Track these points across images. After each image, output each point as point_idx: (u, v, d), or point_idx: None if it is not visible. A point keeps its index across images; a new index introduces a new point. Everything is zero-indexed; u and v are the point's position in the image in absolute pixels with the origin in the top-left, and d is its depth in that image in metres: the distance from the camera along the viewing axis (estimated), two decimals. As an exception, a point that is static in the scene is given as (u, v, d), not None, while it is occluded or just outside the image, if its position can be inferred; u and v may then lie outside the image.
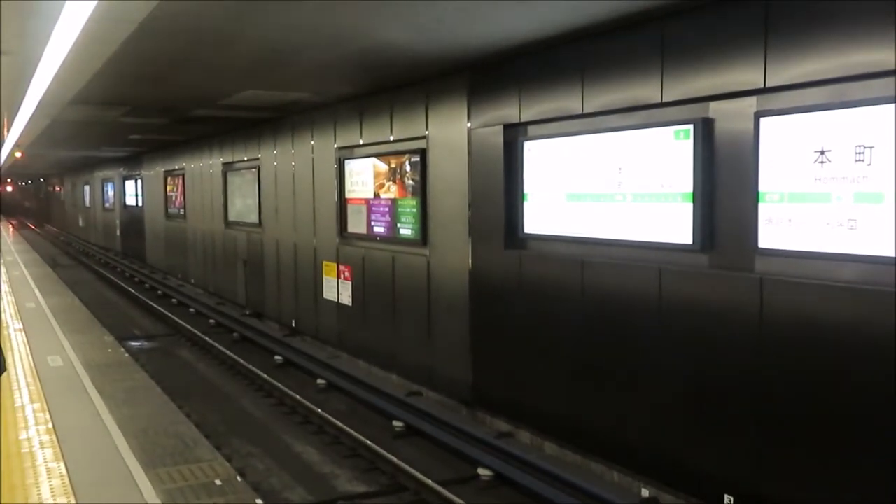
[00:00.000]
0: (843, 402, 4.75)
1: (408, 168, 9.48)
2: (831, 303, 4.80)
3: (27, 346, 8.52)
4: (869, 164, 4.58)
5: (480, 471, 6.88)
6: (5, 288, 13.56)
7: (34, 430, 5.60)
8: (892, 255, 4.48)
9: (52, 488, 4.50)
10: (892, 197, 4.46)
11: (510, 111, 7.56)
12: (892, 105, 4.44)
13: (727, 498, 5.48)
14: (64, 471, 4.77)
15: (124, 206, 26.79)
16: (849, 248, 4.72)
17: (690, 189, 5.72)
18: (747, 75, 5.26)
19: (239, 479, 4.82)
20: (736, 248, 5.47)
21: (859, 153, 4.63)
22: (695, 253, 5.77)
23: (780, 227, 5.10)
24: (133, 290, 19.27)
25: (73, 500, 4.32)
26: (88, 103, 10.65)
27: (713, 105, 5.62)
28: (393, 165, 9.83)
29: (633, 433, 6.29)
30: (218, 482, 4.65)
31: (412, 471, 6.78)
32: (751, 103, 5.30)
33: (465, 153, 8.28)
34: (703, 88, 5.62)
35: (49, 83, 8.71)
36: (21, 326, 9.78)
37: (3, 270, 16.30)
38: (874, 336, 4.53)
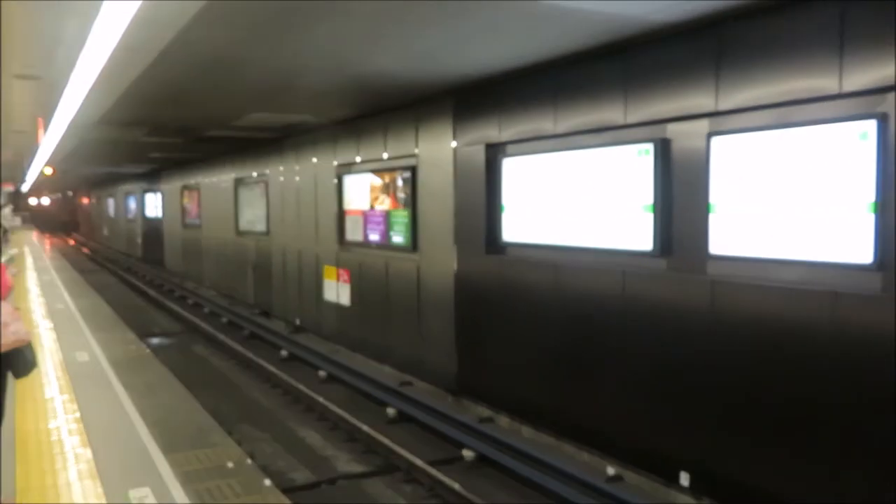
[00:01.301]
0: (785, 387, 4.77)
1: (400, 183, 9.46)
2: (773, 301, 4.83)
3: (57, 344, 8.43)
4: (806, 179, 4.61)
5: (465, 452, 6.85)
6: (37, 291, 13.41)
7: (63, 419, 5.53)
8: (826, 259, 4.52)
9: (79, 471, 4.44)
10: (826, 208, 4.50)
11: (491, 132, 7.56)
12: (830, 125, 4.48)
13: (683, 475, 5.49)
14: (90, 456, 4.71)
15: (145, 217, 26.58)
16: (788, 255, 4.75)
17: (651, 201, 5.74)
18: (701, 100, 5.29)
19: (249, 461, 4.77)
20: (690, 254, 5.49)
21: (799, 168, 4.67)
22: (654, 258, 5.78)
23: (728, 235, 5.12)
24: (153, 293, 19.10)
25: (98, 482, 4.26)
26: (113, 124, 10.57)
27: (670, 126, 5.65)
28: (386, 180, 9.81)
29: (601, 418, 6.29)
30: (230, 464, 4.60)
31: (404, 452, 6.74)
32: (704, 125, 5.33)
33: (451, 169, 8.27)
34: (661, 112, 5.64)
35: (78, 106, 8.64)
36: (51, 325, 9.67)
37: (34, 275, 16.12)
38: (812, 329, 4.56)
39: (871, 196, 4.26)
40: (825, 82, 4.46)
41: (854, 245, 4.35)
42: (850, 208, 4.38)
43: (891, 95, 4.19)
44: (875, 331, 4.23)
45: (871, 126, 4.26)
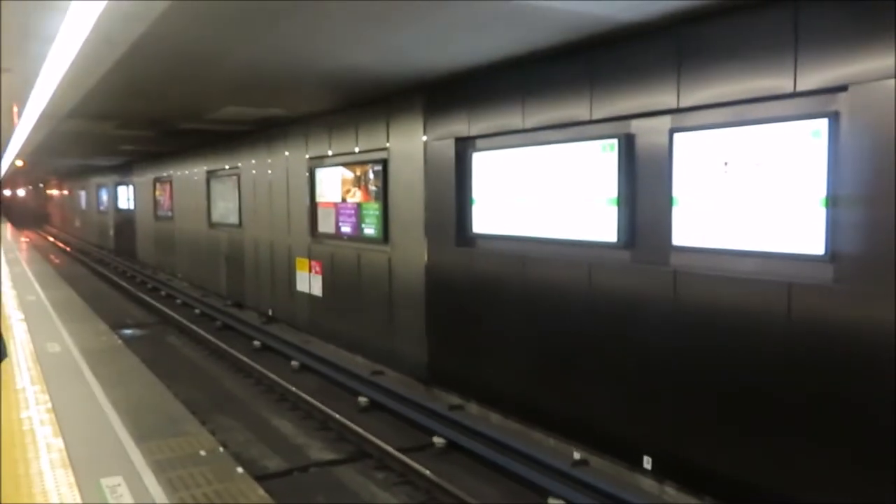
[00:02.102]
0: (743, 373, 4.88)
1: (371, 176, 9.44)
2: (732, 291, 4.93)
3: (28, 335, 8.26)
4: (762, 175, 4.71)
5: (435, 439, 6.88)
6: (8, 283, 13.12)
7: (35, 410, 5.43)
8: (781, 251, 4.62)
9: (51, 461, 4.37)
10: (781, 202, 4.60)
11: (461, 126, 7.57)
12: (785, 123, 4.57)
13: (646, 458, 5.58)
14: (62, 445, 4.64)
15: (117, 209, 26.12)
16: (746, 246, 4.85)
17: (615, 195, 5.81)
18: (663, 97, 5.36)
19: (222, 449, 4.74)
20: (654, 246, 5.57)
21: (755, 164, 4.76)
22: (619, 249, 5.86)
23: (690, 228, 5.21)
24: (125, 284, 18.81)
25: (70, 471, 4.21)
26: (83, 117, 10.37)
27: (634, 122, 5.71)
28: (358, 174, 9.77)
29: (568, 404, 6.36)
30: (203, 453, 4.57)
31: (376, 440, 6.76)
32: (666, 121, 5.40)
33: (421, 163, 8.27)
34: (626, 108, 5.70)
35: (48, 99, 8.46)
36: (23, 317, 9.48)
37: (5, 267, 15.78)
38: (770, 316, 4.67)
39: (822, 191, 4.37)
40: (781, 82, 4.55)
41: (807, 237, 4.46)
42: (804, 202, 4.48)
43: (842, 95, 4.29)
44: (827, 320, 4.35)
45: (823, 125, 4.36)
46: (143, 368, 6.96)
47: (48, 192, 48.85)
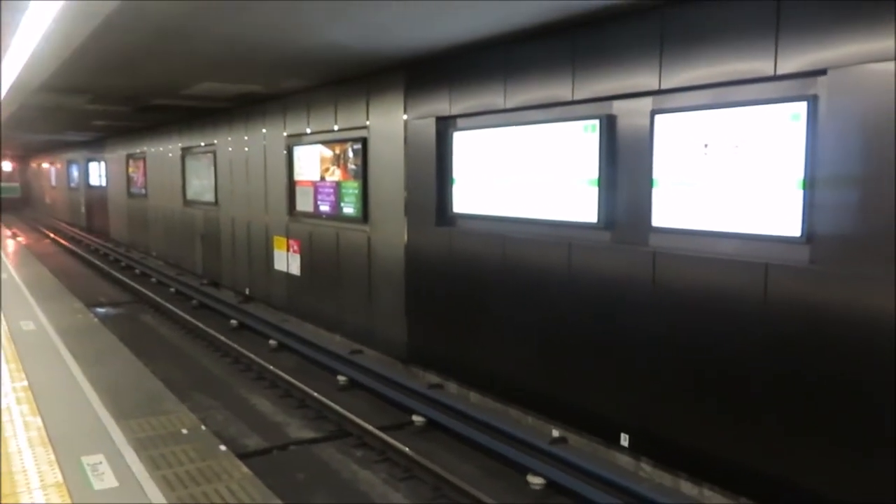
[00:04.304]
0: (720, 352, 4.97)
1: (350, 154, 9.37)
2: (710, 272, 5.00)
3: (1, 312, 8.13)
4: (741, 157, 4.77)
5: (415, 418, 6.93)
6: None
7: (9, 387, 5.37)
8: (759, 232, 4.70)
9: (29, 439, 4.33)
10: (759, 184, 4.66)
11: (442, 105, 7.54)
12: (765, 106, 4.62)
13: (623, 436, 5.68)
14: (41, 423, 4.59)
15: (89, 185, 25.66)
16: (725, 227, 4.92)
17: (596, 175, 5.84)
18: (645, 78, 5.38)
19: (203, 427, 4.73)
20: (634, 226, 5.62)
21: (735, 147, 4.82)
22: (599, 230, 5.90)
23: (669, 209, 5.26)
24: (98, 262, 18.54)
25: (49, 449, 4.17)
26: (54, 90, 10.13)
27: (616, 103, 5.74)
28: (337, 152, 9.70)
29: (547, 383, 6.43)
30: (184, 431, 4.55)
31: (355, 418, 6.78)
32: (647, 103, 5.43)
33: (401, 142, 8.23)
34: (607, 89, 5.72)
35: (18, 71, 8.25)
36: (-6, 294, 9.31)
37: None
38: (747, 297, 4.75)
39: (800, 173, 4.44)
40: (761, 65, 4.60)
41: (784, 219, 4.53)
42: (782, 184, 4.55)
43: (822, 79, 4.35)
44: (803, 300, 4.44)
45: (802, 108, 4.41)
46: (120, 346, 6.89)
47: (14, 167, 47.67)
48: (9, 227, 23.77)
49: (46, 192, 35.61)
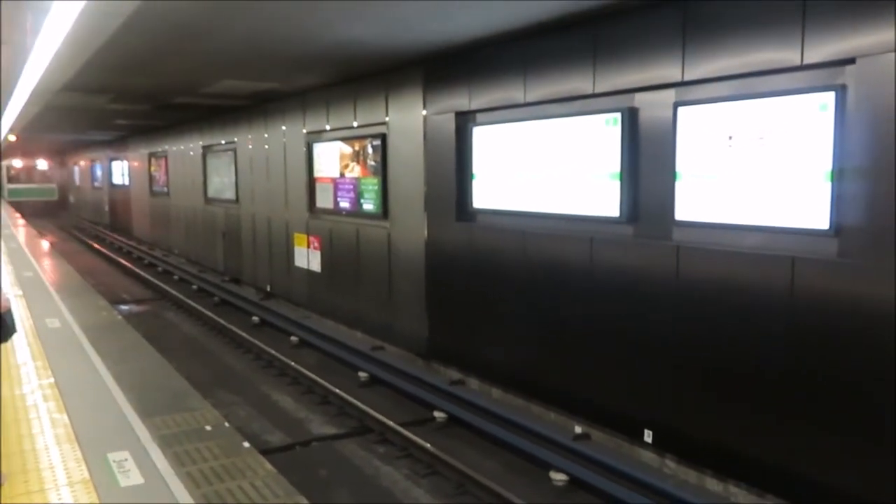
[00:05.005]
0: (745, 348, 4.89)
1: (370, 150, 9.37)
2: (735, 266, 4.92)
3: (27, 311, 8.24)
4: (767, 148, 4.68)
5: (436, 413, 6.92)
6: (4, 258, 13.05)
7: (37, 384, 5.43)
8: (785, 225, 4.61)
9: (56, 436, 4.38)
10: (785, 176, 4.58)
11: (461, 100, 7.50)
12: (791, 96, 4.53)
13: (647, 432, 5.62)
14: (67, 420, 4.64)
15: (112, 184, 25.95)
16: (750, 221, 4.83)
17: (618, 169, 5.77)
18: (667, 70, 5.30)
19: (227, 424, 4.75)
20: (656, 221, 5.55)
21: (760, 138, 4.73)
22: (621, 224, 5.84)
23: (693, 203, 5.19)
24: (122, 260, 18.75)
25: (76, 446, 4.21)
26: (77, 91, 10.23)
27: (638, 96, 5.67)
28: (356, 148, 9.70)
29: (569, 379, 6.38)
30: (208, 428, 4.58)
31: (377, 414, 6.79)
32: (670, 95, 5.36)
33: (421, 137, 8.21)
34: (629, 82, 5.65)
35: (42, 72, 8.33)
36: (21, 293, 9.44)
37: (3, 243, 15.67)
38: (772, 291, 4.67)
39: (828, 165, 4.35)
40: (788, 55, 4.51)
41: (812, 212, 4.45)
42: (809, 176, 4.46)
43: (850, 68, 4.25)
44: (831, 294, 4.35)
45: (830, 98, 4.32)
46: (144, 344, 6.95)
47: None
48: (32, 225, 24.10)
49: (71, 191, 36.03)
